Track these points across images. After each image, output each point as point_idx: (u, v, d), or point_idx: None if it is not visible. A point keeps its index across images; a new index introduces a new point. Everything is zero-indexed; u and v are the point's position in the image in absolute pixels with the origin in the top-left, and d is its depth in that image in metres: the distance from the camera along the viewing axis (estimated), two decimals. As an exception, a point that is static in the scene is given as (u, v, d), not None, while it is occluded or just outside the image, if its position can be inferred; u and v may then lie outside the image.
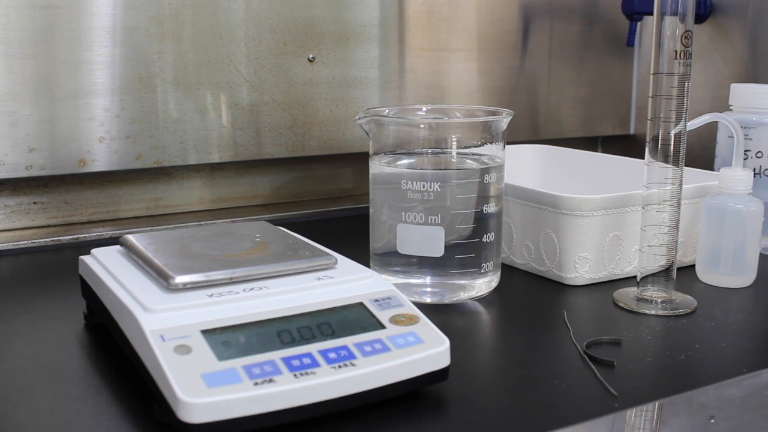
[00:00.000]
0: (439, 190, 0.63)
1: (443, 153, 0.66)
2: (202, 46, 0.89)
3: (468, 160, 0.66)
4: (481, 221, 0.65)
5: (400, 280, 0.65)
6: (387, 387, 0.47)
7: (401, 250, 0.65)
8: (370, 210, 0.68)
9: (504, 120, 0.66)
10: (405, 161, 0.66)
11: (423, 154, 0.66)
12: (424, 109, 0.73)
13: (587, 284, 0.71)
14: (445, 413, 0.49)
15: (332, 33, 0.96)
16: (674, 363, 0.56)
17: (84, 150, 0.85)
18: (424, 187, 0.63)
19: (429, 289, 0.66)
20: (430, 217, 0.63)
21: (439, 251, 0.64)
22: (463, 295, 0.66)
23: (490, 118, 0.68)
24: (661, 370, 0.55)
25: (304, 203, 1.00)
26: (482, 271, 0.66)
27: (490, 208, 0.66)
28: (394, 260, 0.66)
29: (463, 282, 0.66)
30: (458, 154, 0.66)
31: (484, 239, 0.65)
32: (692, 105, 0.65)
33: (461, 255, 0.65)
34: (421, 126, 0.67)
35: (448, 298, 0.66)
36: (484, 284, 0.67)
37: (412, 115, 0.73)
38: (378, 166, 0.67)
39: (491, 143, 0.66)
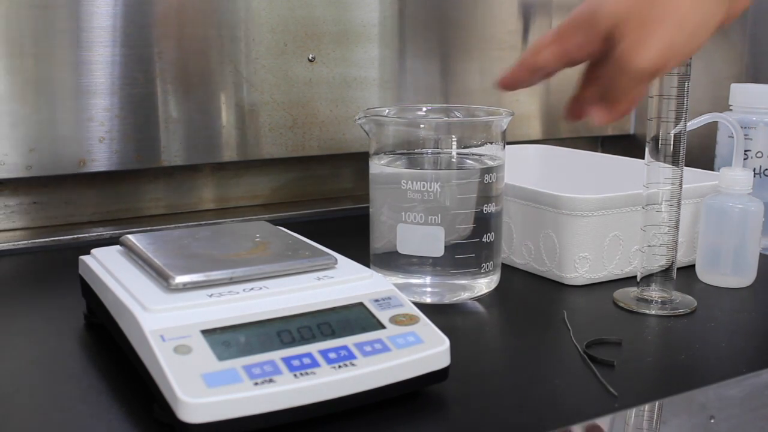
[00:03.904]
0: (439, 190, 0.63)
1: (443, 153, 0.66)
2: (202, 46, 0.89)
3: (468, 160, 0.66)
4: (482, 221, 0.65)
5: (400, 280, 0.65)
6: (387, 387, 0.47)
7: (401, 250, 0.65)
8: (370, 210, 0.68)
9: (504, 120, 0.66)
10: (405, 161, 0.66)
11: (423, 154, 0.66)
12: (424, 109, 0.73)
13: (587, 284, 0.71)
14: (445, 413, 0.49)
15: (332, 33, 0.96)
16: (674, 363, 0.56)
17: (84, 150, 0.84)
18: (424, 187, 0.63)
19: (429, 289, 0.66)
20: (430, 217, 0.63)
21: (439, 251, 0.64)
22: (463, 295, 0.66)
23: (490, 118, 0.68)
24: (661, 370, 0.55)
25: (304, 203, 1.00)
26: (482, 271, 0.66)
27: (491, 208, 0.66)
28: (394, 260, 0.66)
29: (463, 282, 0.66)
30: (458, 154, 0.66)
31: (484, 239, 0.65)
32: (692, 105, 0.65)
33: (461, 255, 0.64)
34: (421, 126, 0.67)
35: (448, 298, 0.66)
36: (484, 284, 0.67)
37: (412, 115, 0.73)
38: (378, 166, 0.67)
39: (491, 143, 0.66)
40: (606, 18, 0.52)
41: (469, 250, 0.65)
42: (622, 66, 0.52)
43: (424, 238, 0.64)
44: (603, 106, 0.54)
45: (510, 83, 0.59)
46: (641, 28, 0.51)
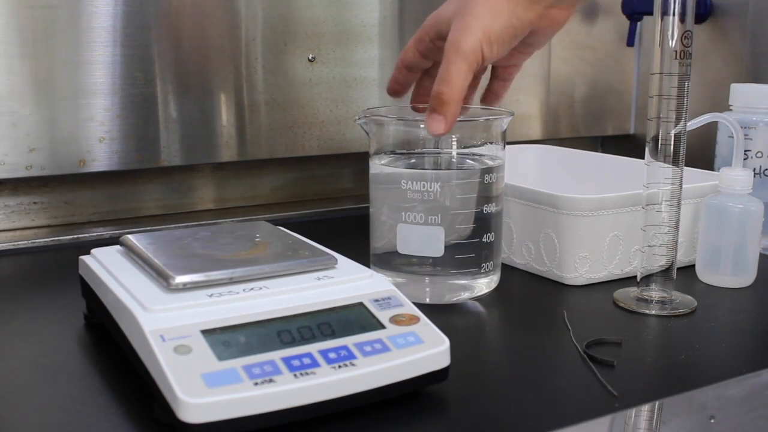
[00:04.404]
0: (438, 190, 0.63)
1: (443, 153, 0.66)
2: (202, 46, 0.89)
3: (468, 160, 0.66)
4: (482, 221, 0.65)
5: (400, 279, 0.65)
6: (387, 387, 0.47)
7: (401, 250, 0.65)
8: (370, 210, 0.68)
9: (504, 120, 0.66)
10: (405, 161, 0.66)
11: (423, 154, 0.66)
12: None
13: (587, 284, 0.71)
14: (445, 413, 0.49)
15: (332, 33, 0.96)
16: (674, 363, 0.56)
17: (84, 150, 0.85)
18: (424, 187, 0.63)
19: (429, 289, 0.66)
20: (430, 217, 0.63)
21: (439, 251, 0.64)
22: (463, 295, 0.66)
23: (490, 117, 0.68)
24: (661, 370, 0.55)
25: (304, 203, 1.00)
26: (482, 271, 0.66)
27: (491, 208, 0.66)
28: (394, 260, 0.66)
29: (463, 282, 0.66)
30: (458, 154, 0.66)
31: (484, 239, 0.65)
32: (692, 105, 0.65)
33: (461, 255, 0.64)
34: (421, 126, 0.67)
35: (448, 298, 0.66)
36: (484, 284, 0.67)
37: (412, 116, 0.73)
38: (378, 166, 0.67)
39: (491, 143, 0.66)
40: (446, 19, 0.64)
41: (470, 250, 0.65)
42: (448, 48, 0.61)
43: (425, 238, 0.64)
44: (436, 111, 0.61)
45: (394, 88, 0.71)
46: (462, 18, 0.62)
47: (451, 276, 0.65)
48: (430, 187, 0.63)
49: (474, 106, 0.71)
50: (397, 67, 0.69)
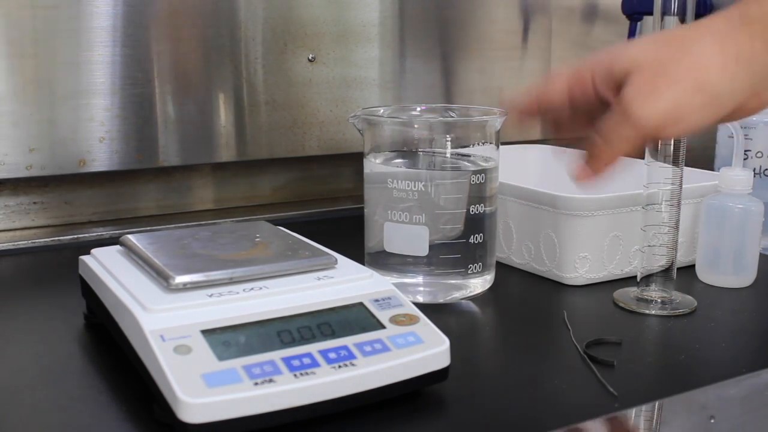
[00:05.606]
0: (423, 189, 0.63)
1: (435, 153, 0.65)
2: (202, 46, 0.89)
3: (460, 161, 0.66)
4: (471, 221, 0.65)
5: (394, 279, 0.65)
6: (387, 387, 0.47)
7: (388, 248, 0.65)
8: (365, 210, 0.68)
9: (498, 120, 0.66)
10: (396, 161, 0.66)
11: (415, 153, 0.66)
12: (419, 108, 0.73)
13: (587, 284, 0.71)
14: (445, 413, 0.49)
15: (332, 33, 0.96)
16: (674, 363, 0.56)
17: (84, 150, 0.84)
18: (408, 186, 0.63)
19: (422, 288, 0.65)
20: (414, 217, 0.63)
21: (423, 251, 0.64)
22: (456, 295, 0.66)
23: (483, 117, 0.68)
24: (661, 370, 0.55)
25: (304, 203, 1.00)
26: (471, 271, 0.65)
27: (482, 208, 0.65)
28: (386, 259, 0.65)
29: (455, 282, 0.65)
30: (451, 154, 0.66)
31: (471, 240, 0.65)
32: (692, 105, 0.65)
33: (448, 255, 0.64)
34: (415, 126, 0.67)
35: (442, 297, 0.66)
36: (477, 284, 0.67)
37: (404, 115, 0.72)
38: (371, 165, 0.67)
39: (485, 143, 0.66)
40: (624, 62, 0.50)
41: (456, 250, 0.64)
42: (623, 111, 0.49)
43: (409, 238, 0.64)
44: (586, 162, 0.53)
45: (522, 114, 0.59)
46: (657, 78, 0.48)
47: (442, 276, 0.65)
48: (415, 187, 0.63)
49: (468, 106, 0.71)
50: (531, 99, 0.57)
